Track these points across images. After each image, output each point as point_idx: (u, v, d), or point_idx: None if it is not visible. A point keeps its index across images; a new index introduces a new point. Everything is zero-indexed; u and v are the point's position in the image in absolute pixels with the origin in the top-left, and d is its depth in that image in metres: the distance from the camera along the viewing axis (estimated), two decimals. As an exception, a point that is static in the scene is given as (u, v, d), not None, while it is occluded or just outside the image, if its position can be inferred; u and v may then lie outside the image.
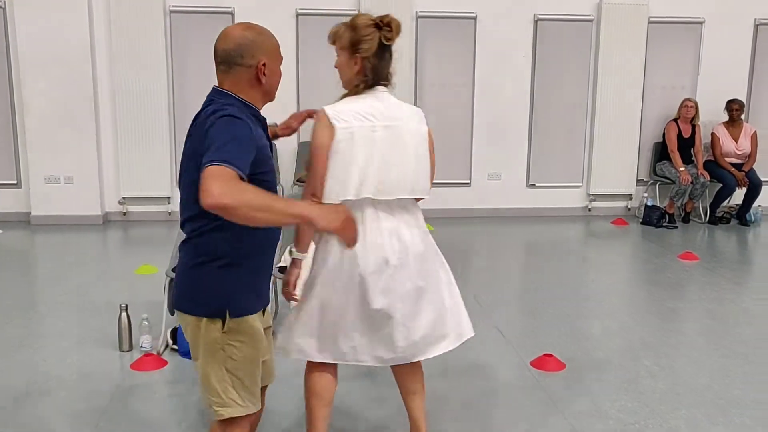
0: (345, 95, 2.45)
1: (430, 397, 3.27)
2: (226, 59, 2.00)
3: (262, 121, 2.07)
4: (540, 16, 7.37)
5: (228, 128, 1.84)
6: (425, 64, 7.34)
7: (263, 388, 2.20)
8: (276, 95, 2.14)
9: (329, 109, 2.36)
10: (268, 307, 2.18)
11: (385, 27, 2.36)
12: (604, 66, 7.47)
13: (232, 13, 6.98)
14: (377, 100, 2.41)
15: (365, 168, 2.30)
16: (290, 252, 2.49)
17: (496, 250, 6.31)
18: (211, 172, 1.70)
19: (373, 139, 2.34)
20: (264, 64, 2.01)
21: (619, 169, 7.71)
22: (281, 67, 2.13)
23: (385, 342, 2.39)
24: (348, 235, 2.08)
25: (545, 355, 3.67)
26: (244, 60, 1.99)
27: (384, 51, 2.39)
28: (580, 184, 7.78)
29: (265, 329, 2.11)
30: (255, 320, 2.01)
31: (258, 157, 1.89)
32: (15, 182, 7.08)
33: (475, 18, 7.32)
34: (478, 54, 7.39)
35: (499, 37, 7.39)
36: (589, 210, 7.80)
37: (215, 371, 1.97)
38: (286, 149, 7.11)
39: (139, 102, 6.93)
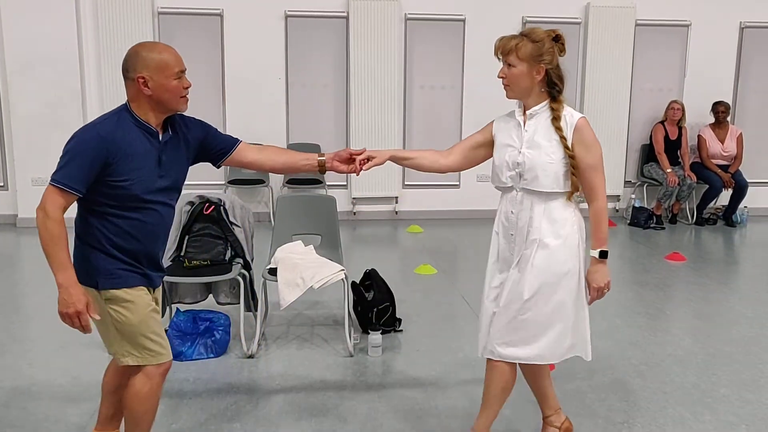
0: (555, 101, 2.56)
1: (417, 400, 3.28)
2: (122, 72, 2.34)
3: (151, 131, 2.32)
4: (528, 19, 7.41)
5: (70, 147, 2.22)
6: (414, 66, 7.35)
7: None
8: (184, 107, 2.35)
9: (584, 117, 2.57)
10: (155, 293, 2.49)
11: (561, 40, 2.56)
12: (592, 68, 7.52)
13: (220, 15, 6.97)
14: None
15: None
16: None
17: (485, 251, 6.31)
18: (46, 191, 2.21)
19: None
20: (142, 78, 2.26)
21: (607, 171, 7.66)
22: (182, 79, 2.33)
23: None
24: (68, 322, 2.29)
25: (534, 355, 3.68)
26: (129, 74, 2.30)
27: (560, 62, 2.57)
28: (569, 186, 7.81)
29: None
30: (134, 291, 2.35)
31: (116, 167, 2.22)
32: (2, 184, 7.03)
33: (463, 20, 7.35)
34: (466, 56, 7.41)
35: (487, 39, 7.36)
36: (578, 211, 7.83)
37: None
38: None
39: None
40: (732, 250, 6.71)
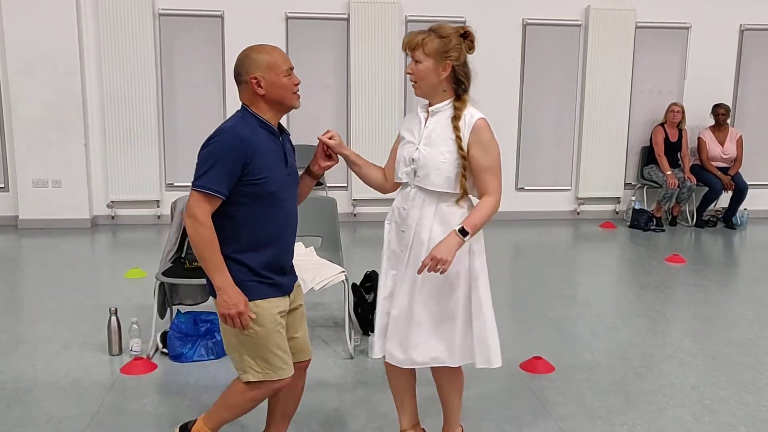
0: (459, 100, 2.53)
1: (419, 400, 3.28)
2: (235, 78, 2.39)
3: (272, 131, 2.38)
4: (528, 21, 7.42)
5: (209, 152, 2.27)
6: (415, 68, 7.36)
7: (301, 363, 2.57)
8: (297, 103, 2.41)
9: (484, 118, 2.50)
10: (294, 291, 2.52)
11: (469, 37, 2.57)
12: (592, 71, 7.53)
13: (221, 17, 6.98)
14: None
15: None
16: None
17: (485, 253, 6.32)
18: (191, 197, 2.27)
19: None
20: (255, 78, 2.31)
21: (607, 173, 7.77)
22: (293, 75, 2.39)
23: None
24: (229, 323, 2.31)
25: (534, 357, 3.69)
26: (242, 77, 2.35)
27: (466, 60, 2.58)
28: (569, 188, 7.83)
29: (292, 310, 2.50)
30: (262, 303, 2.35)
31: (253, 167, 2.27)
32: (2, 186, 7.03)
33: (464, 22, 7.36)
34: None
35: (487, 41, 7.41)
36: (578, 213, 7.85)
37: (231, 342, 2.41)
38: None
39: (127, 105, 6.91)
40: (732, 253, 6.71)
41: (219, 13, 6.98)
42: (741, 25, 7.74)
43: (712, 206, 7.60)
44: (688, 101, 7.65)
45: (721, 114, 7.49)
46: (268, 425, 2.73)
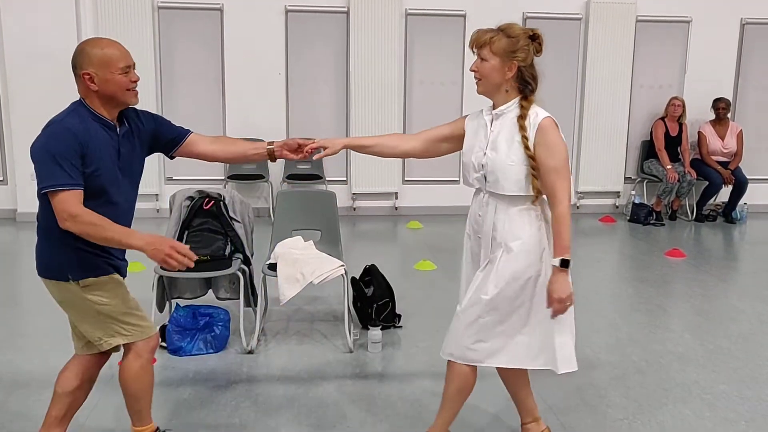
0: (525, 100, 2.50)
1: (416, 395, 3.28)
2: (72, 70, 2.36)
3: (107, 124, 2.37)
4: (528, 15, 7.39)
5: (44, 148, 2.23)
6: (414, 61, 7.34)
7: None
8: (133, 100, 2.40)
9: (550, 117, 2.48)
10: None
11: (538, 39, 2.52)
12: (592, 64, 7.51)
13: (220, 10, 6.95)
14: None
15: None
16: None
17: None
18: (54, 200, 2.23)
19: None
20: (87, 74, 2.30)
21: (607, 167, 7.75)
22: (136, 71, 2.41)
23: None
24: (173, 264, 2.27)
25: (534, 351, 3.68)
26: (76, 71, 2.34)
27: (534, 61, 2.52)
28: (569, 182, 7.81)
29: None
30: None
31: (87, 159, 2.26)
32: (1, 179, 7.02)
33: (464, 16, 7.33)
34: (467, 52, 7.38)
35: (488, 35, 7.40)
36: (578, 207, 7.84)
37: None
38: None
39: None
40: (731, 247, 6.71)
41: (218, 6, 6.95)
42: (742, 18, 7.72)
43: (712, 200, 7.59)
44: (689, 95, 7.64)
45: (721, 108, 7.48)
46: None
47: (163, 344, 3.72)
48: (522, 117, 2.43)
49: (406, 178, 7.55)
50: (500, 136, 2.45)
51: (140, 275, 4.98)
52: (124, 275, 2.54)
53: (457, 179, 7.60)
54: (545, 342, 2.52)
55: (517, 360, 2.56)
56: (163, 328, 3.75)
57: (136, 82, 2.40)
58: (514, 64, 2.44)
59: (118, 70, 2.33)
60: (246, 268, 3.88)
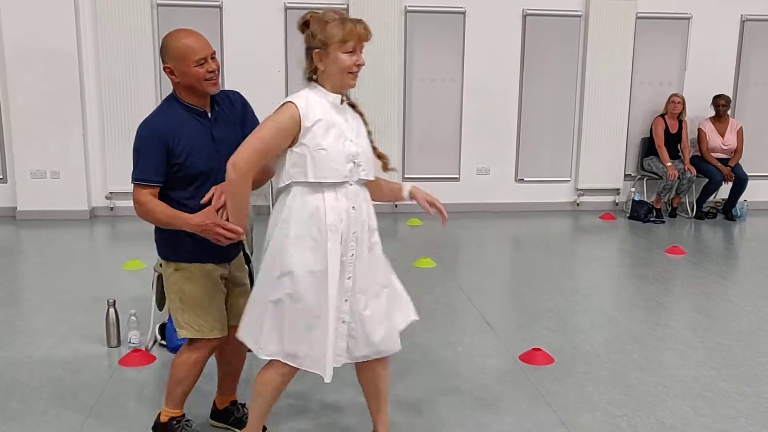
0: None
1: (416, 393, 3.28)
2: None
3: (198, 112, 2.49)
4: (528, 12, 7.39)
5: (134, 146, 2.44)
6: (414, 59, 7.33)
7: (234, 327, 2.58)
8: (212, 89, 2.47)
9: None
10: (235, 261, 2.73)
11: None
12: (592, 61, 7.51)
13: (219, 7, 6.95)
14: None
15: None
16: None
17: (485, 245, 6.33)
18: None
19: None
20: (168, 68, 2.44)
21: (606, 165, 7.75)
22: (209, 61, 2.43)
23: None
24: (222, 239, 2.44)
25: (534, 349, 3.69)
26: (163, 65, 2.48)
27: None
28: (569, 179, 7.82)
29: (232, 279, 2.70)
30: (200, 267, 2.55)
31: (176, 150, 2.41)
32: (1, 177, 7.02)
33: (464, 13, 7.33)
34: (466, 49, 7.39)
35: (487, 32, 7.40)
36: (578, 205, 7.84)
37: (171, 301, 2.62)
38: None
39: (125, 96, 6.88)
40: (732, 244, 6.71)
41: (217, 3, 6.94)
42: (742, 15, 7.71)
43: (712, 198, 7.59)
44: (689, 92, 7.63)
45: (721, 105, 7.47)
46: (219, 385, 2.96)
47: (163, 342, 3.73)
48: (353, 104, 2.51)
49: (406, 176, 7.54)
50: (356, 121, 2.50)
51: (140, 273, 4.99)
52: (230, 258, 2.66)
53: (457, 176, 7.60)
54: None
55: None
56: (162, 326, 3.75)
57: (213, 71, 2.44)
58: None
59: (193, 62, 2.40)
60: (246, 266, 3.87)
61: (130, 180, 2.47)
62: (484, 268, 5.50)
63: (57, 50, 6.67)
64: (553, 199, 7.80)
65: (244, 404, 2.93)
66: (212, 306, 2.59)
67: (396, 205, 7.54)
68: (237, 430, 2.86)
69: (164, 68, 2.46)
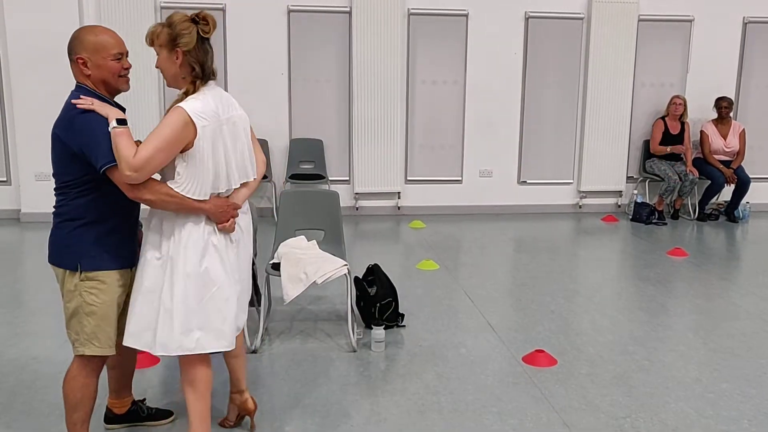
0: (185, 93, 2.49)
1: (420, 395, 3.29)
2: (68, 56, 2.48)
3: (113, 105, 2.50)
4: (531, 14, 7.40)
5: (88, 129, 2.36)
6: (417, 61, 7.35)
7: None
8: (124, 86, 2.55)
9: (188, 108, 2.40)
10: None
11: (202, 21, 2.48)
12: (594, 63, 7.52)
13: (223, 9, 6.97)
14: (217, 95, 2.54)
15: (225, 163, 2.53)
16: None
17: (488, 247, 6.33)
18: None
19: (223, 134, 2.52)
20: (81, 59, 2.41)
21: (609, 167, 7.76)
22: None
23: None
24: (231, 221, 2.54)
25: (537, 350, 3.70)
26: (71, 56, 2.46)
27: (204, 44, 2.51)
28: (571, 181, 7.82)
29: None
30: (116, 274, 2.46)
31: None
32: (5, 179, 7.04)
33: (466, 15, 7.34)
34: (469, 51, 7.41)
35: (490, 34, 7.42)
36: (580, 207, 7.84)
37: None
38: (277, 146, 7.10)
39: (129, 98, 6.83)
40: (734, 246, 6.71)
41: (221, 6, 6.96)
42: (744, 17, 7.72)
43: (714, 199, 7.59)
44: (691, 94, 7.64)
45: (723, 107, 7.48)
46: (117, 391, 2.93)
47: (167, 344, 3.73)
48: (178, 100, 2.46)
49: (408, 178, 7.56)
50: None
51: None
52: (129, 265, 2.59)
53: (459, 179, 7.61)
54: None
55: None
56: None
57: (128, 69, 2.48)
58: (178, 51, 2.44)
59: (110, 56, 2.42)
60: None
61: (105, 166, 2.32)
62: (486, 270, 5.51)
63: (61, 53, 6.67)
64: (556, 201, 7.81)
65: (143, 399, 3.02)
66: (118, 318, 2.50)
67: (399, 207, 7.55)
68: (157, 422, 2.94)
69: (76, 59, 2.41)
